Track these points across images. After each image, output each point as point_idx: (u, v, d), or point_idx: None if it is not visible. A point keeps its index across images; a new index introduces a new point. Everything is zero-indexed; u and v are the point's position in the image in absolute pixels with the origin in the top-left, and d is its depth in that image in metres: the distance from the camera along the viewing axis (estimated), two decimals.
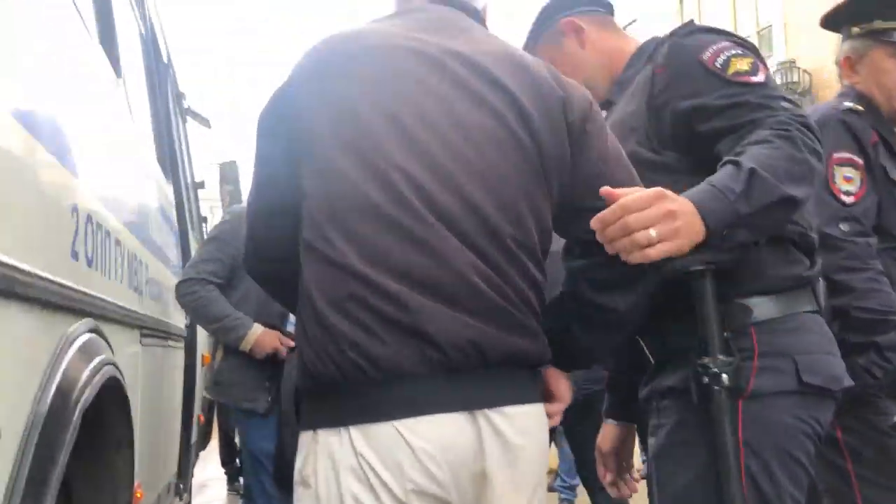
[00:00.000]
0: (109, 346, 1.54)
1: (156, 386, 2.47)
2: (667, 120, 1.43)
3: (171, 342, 2.88)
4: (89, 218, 1.47)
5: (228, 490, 6.10)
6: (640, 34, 1.69)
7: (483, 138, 1.19)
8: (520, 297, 1.18)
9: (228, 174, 5.06)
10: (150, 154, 2.75)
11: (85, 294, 1.42)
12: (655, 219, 1.15)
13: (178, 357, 3.19)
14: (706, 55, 1.40)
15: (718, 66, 1.38)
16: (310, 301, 1.14)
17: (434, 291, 1.11)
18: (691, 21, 1.56)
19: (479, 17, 1.38)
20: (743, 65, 1.37)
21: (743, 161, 1.23)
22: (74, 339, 1.31)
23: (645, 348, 1.51)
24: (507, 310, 1.15)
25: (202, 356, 4.01)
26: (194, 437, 3.86)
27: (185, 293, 2.92)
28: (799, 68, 23.77)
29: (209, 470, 6.60)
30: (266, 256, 1.36)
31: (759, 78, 1.37)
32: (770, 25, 22.97)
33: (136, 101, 2.50)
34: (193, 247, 4.00)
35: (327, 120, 1.18)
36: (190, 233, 4.14)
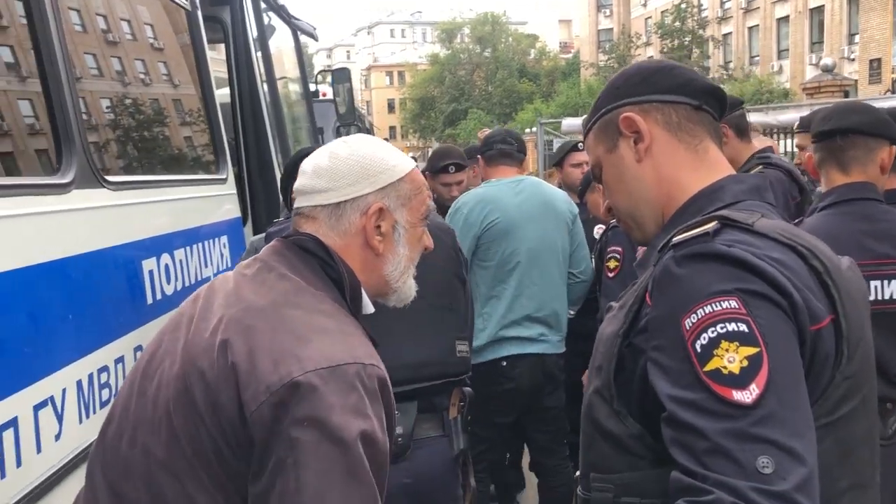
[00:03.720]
0: None
1: None
2: (638, 373, 1.02)
3: None
4: None
5: None
6: None
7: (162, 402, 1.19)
8: None
9: (341, 77, 5.58)
10: None
11: None
12: None
13: None
14: (690, 320, 0.94)
15: (698, 349, 0.93)
16: None
17: None
18: (714, 233, 1.00)
19: (311, 255, 1.27)
20: (732, 363, 0.91)
21: None
22: None
23: None
24: None
25: None
26: None
27: None
28: None
29: None
30: None
31: (746, 396, 0.89)
32: None
33: None
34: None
35: None
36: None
